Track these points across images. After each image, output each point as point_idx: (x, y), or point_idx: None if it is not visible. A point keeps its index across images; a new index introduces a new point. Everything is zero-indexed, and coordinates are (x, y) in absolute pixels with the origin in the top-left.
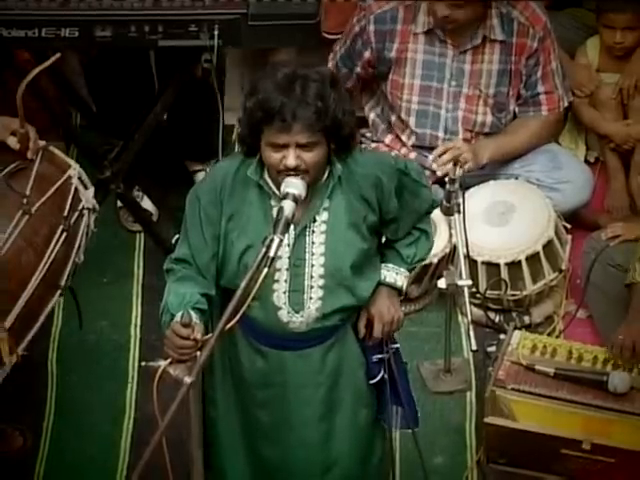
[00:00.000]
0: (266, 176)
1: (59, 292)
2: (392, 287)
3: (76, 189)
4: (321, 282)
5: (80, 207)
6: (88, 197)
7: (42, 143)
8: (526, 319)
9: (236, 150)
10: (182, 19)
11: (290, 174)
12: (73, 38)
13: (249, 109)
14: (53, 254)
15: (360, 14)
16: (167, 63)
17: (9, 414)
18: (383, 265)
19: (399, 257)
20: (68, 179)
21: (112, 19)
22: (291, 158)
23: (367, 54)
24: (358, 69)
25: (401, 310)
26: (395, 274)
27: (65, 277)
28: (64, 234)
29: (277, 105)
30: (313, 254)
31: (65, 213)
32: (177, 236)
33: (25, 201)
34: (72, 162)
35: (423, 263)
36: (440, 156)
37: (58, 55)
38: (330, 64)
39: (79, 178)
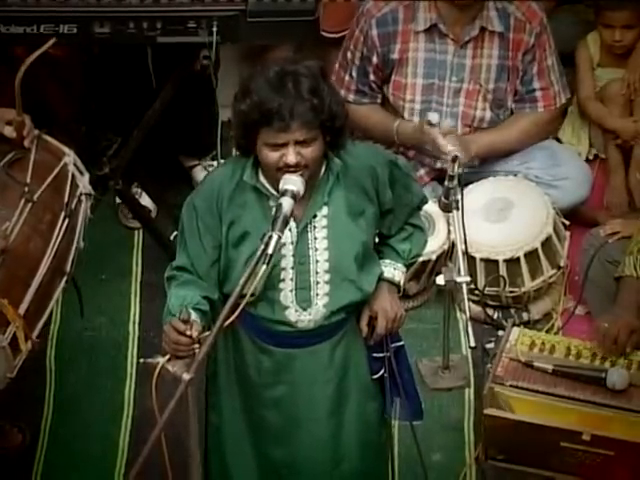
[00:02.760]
0: (262, 179)
1: (65, 278)
2: (391, 282)
3: (73, 175)
4: (327, 277)
5: (78, 193)
6: (85, 183)
7: (36, 132)
8: (525, 316)
9: (233, 147)
10: (181, 15)
11: (290, 171)
12: (72, 35)
13: (243, 111)
14: (58, 240)
15: (361, 21)
16: (165, 59)
17: (8, 411)
18: (380, 261)
19: (395, 252)
20: (65, 166)
21: (111, 15)
22: (291, 155)
23: (374, 59)
24: (372, 77)
25: (402, 307)
26: (393, 269)
27: (69, 263)
28: (66, 220)
29: (275, 106)
30: (317, 250)
31: (65, 199)
32: (175, 233)
33: (26, 189)
34: (66, 149)
35: (421, 259)
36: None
37: (53, 40)
38: (351, 97)
39: (74, 164)
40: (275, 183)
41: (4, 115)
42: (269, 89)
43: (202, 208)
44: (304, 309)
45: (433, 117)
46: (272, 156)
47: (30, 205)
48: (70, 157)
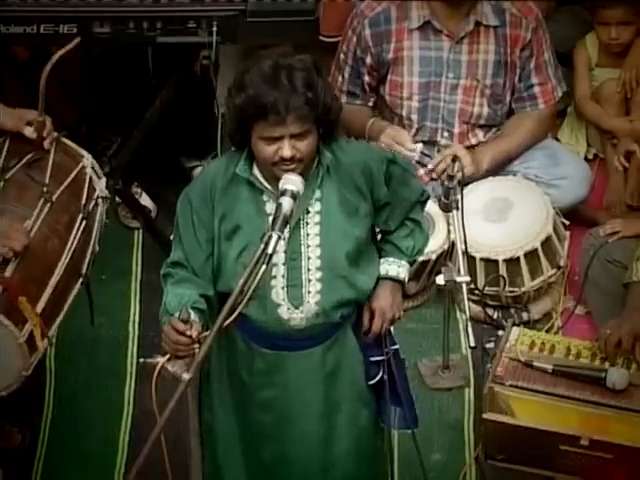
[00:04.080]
0: (256, 172)
1: (80, 280)
2: (395, 280)
3: (90, 178)
4: (319, 274)
5: (95, 196)
6: (101, 186)
7: (55, 134)
8: (524, 315)
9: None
10: (181, 15)
11: (286, 164)
12: (72, 34)
13: (239, 106)
14: (75, 241)
15: (354, 21)
16: (165, 59)
17: (8, 411)
18: (383, 260)
19: (398, 250)
20: (82, 169)
21: (111, 15)
22: (286, 149)
23: (368, 59)
24: (366, 78)
25: (402, 308)
26: (397, 267)
27: (85, 265)
28: (84, 222)
29: (270, 100)
30: (309, 246)
31: (83, 201)
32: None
33: (45, 189)
34: (84, 152)
35: (421, 259)
36: (438, 165)
37: (78, 40)
38: (343, 99)
39: (92, 168)
40: (269, 177)
41: (25, 115)
42: (264, 83)
43: (196, 201)
44: (296, 307)
45: (413, 147)
46: (267, 150)
47: (49, 205)
48: (88, 160)
